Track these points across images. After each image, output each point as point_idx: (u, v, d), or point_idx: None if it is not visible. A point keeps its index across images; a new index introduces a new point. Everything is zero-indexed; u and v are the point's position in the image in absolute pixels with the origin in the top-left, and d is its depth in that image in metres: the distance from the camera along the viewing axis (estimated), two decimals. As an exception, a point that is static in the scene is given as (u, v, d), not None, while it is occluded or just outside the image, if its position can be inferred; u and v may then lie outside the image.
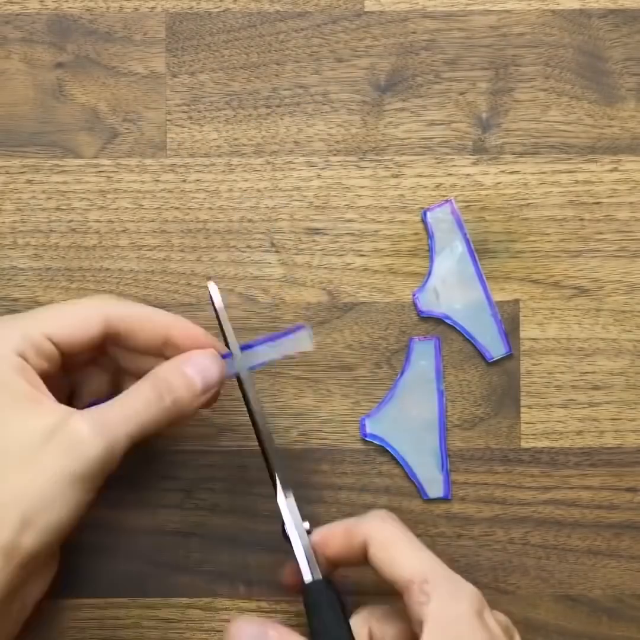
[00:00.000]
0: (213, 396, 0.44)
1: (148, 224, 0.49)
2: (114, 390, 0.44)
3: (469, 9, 0.49)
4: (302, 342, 0.45)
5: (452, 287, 0.49)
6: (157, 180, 0.49)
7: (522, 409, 0.49)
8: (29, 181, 0.49)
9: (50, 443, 0.40)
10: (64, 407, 0.41)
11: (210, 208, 0.49)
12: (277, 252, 0.49)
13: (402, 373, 0.49)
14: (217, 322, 0.44)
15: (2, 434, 0.40)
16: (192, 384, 0.43)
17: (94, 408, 0.41)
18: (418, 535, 0.48)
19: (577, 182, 0.49)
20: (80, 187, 0.49)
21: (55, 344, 0.42)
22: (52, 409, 0.41)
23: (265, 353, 0.44)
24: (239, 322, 0.49)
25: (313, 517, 0.49)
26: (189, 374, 0.43)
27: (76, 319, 0.42)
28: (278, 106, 0.49)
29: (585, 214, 0.49)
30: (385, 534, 0.43)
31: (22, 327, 0.42)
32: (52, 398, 0.41)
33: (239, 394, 0.49)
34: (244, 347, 0.44)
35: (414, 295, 0.49)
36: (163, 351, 0.44)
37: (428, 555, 0.43)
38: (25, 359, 0.41)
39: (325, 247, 0.49)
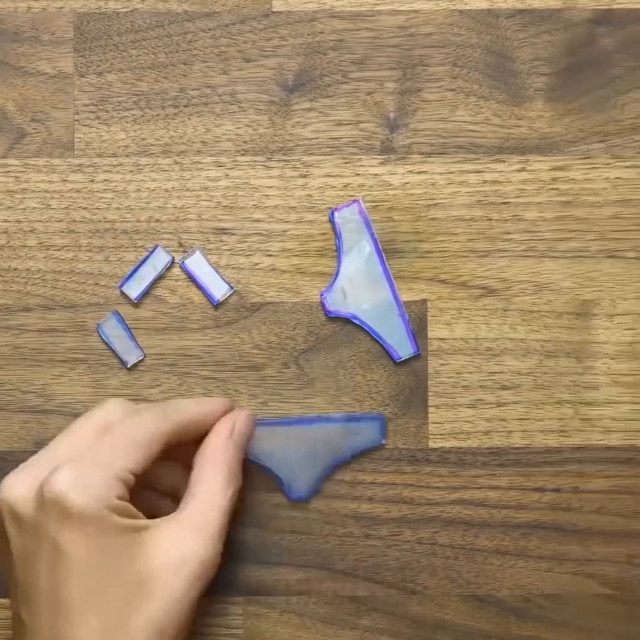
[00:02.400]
0: None
1: (56, 224, 0.49)
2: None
3: (377, 9, 0.49)
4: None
5: (359, 287, 0.49)
6: (65, 180, 0.49)
7: (430, 409, 0.49)
8: (-62, 181, 0.49)
9: (175, 573, 0.42)
10: (163, 526, 0.43)
11: (118, 208, 0.49)
12: (184, 252, 0.49)
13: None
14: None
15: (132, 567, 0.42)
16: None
17: (189, 519, 0.43)
18: (325, 535, 0.48)
19: (485, 182, 0.49)
20: (-11, 187, 0.49)
21: (134, 474, 0.43)
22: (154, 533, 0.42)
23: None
24: (147, 323, 0.49)
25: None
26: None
27: (147, 447, 0.43)
28: (186, 106, 0.49)
29: (493, 214, 0.49)
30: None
31: (114, 474, 0.42)
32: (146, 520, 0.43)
33: (146, 394, 0.49)
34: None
35: (321, 295, 0.49)
36: None
37: None
38: (123, 499, 0.42)
39: (233, 247, 0.49)
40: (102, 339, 0.49)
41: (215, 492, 0.44)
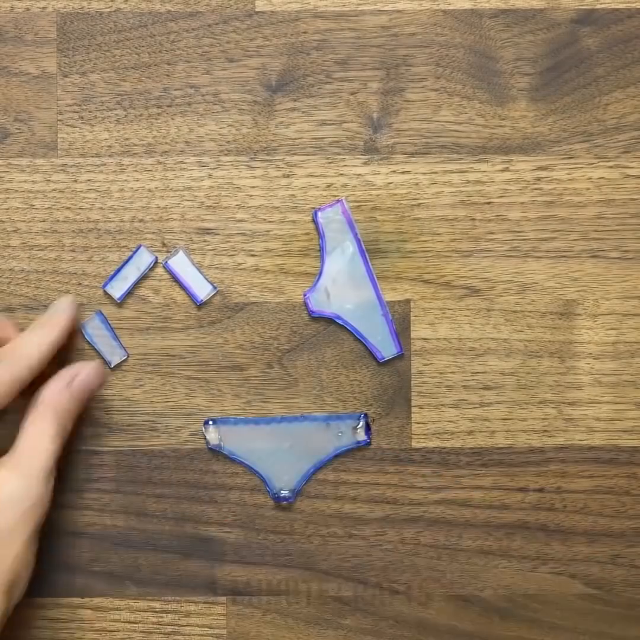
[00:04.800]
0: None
1: (39, 224, 0.49)
2: None
3: (360, 9, 0.49)
4: None
5: (343, 287, 0.49)
6: (48, 180, 0.49)
7: (413, 409, 0.49)
8: None
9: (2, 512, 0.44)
10: None
11: (101, 208, 0.49)
12: (167, 252, 0.49)
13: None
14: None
15: None
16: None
17: (16, 462, 0.45)
18: (309, 535, 0.49)
19: (468, 182, 0.49)
20: (-27, 187, 0.49)
21: None
22: None
23: None
24: (130, 323, 0.49)
25: (202, 517, 0.49)
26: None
27: None
28: (169, 106, 0.49)
29: (476, 214, 0.49)
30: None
31: None
32: None
33: (129, 394, 0.49)
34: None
35: (305, 295, 0.49)
36: None
37: None
38: None
39: (216, 247, 0.49)
40: (86, 338, 0.49)
41: (43, 439, 0.45)
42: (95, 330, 0.49)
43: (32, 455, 0.45)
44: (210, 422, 0.49)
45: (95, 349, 0.49)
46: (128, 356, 0.49)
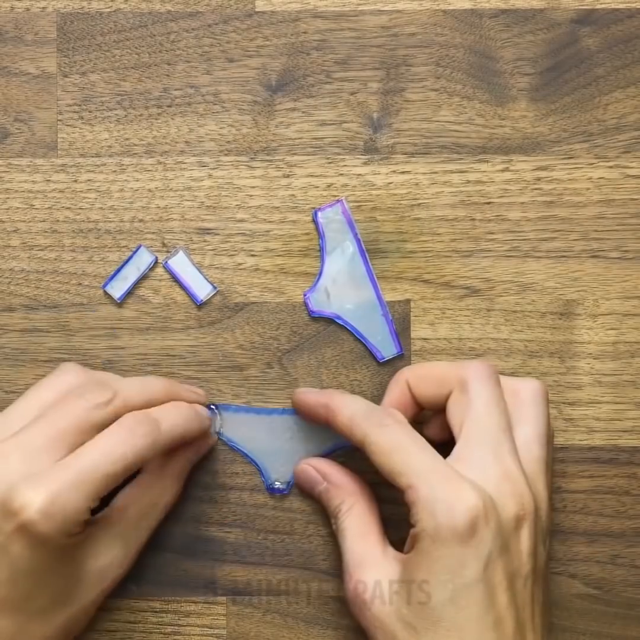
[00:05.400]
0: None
1: (39, 224, 0.49)
2: None
3: (360, 9, 0.49)
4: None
5: (343, 287, 0.49)
6: (48, 180, 0.49)
7: (413, 409, 0.49)
8: None
9: (94, 585, 0.45)
10: (96, 536, 0.44)
11: (101, 208, 0.49)
12: (167, 252, 0.49)
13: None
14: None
15: None
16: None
17: (119, 530, 0.45)
18: (309, 535, 0.48)
19: (468, 182, 0.49)
20: (-27, 187, 0.49)
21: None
22: None
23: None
24: (130, 323, 0.49)
25: (202, 517, 0.49)
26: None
27: (128, 469, 0.42)
28: (169, 106, 0.49)
29: (476, 214, 0.49)
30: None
31: (88, 505, 0.41)
32: None
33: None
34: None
35: (305, 295, 0.49)
36: None
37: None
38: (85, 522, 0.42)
39: (216, 247, 0.49)
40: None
41: (155, 514, 0.46)
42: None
43: (137, 533, 0.46)
44: (212, 407, 0.48)
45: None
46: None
